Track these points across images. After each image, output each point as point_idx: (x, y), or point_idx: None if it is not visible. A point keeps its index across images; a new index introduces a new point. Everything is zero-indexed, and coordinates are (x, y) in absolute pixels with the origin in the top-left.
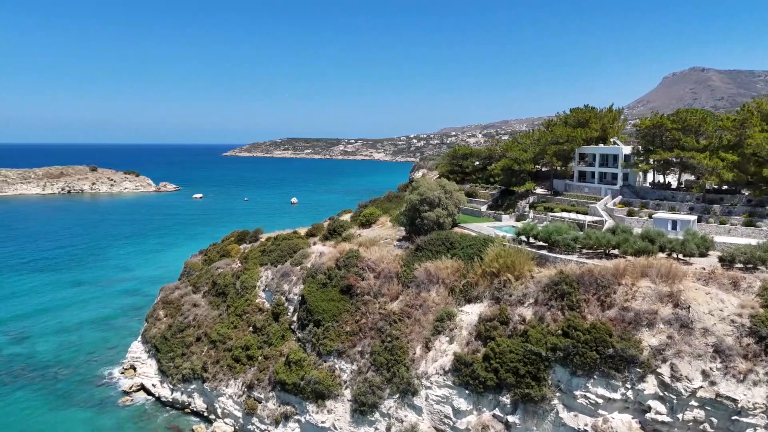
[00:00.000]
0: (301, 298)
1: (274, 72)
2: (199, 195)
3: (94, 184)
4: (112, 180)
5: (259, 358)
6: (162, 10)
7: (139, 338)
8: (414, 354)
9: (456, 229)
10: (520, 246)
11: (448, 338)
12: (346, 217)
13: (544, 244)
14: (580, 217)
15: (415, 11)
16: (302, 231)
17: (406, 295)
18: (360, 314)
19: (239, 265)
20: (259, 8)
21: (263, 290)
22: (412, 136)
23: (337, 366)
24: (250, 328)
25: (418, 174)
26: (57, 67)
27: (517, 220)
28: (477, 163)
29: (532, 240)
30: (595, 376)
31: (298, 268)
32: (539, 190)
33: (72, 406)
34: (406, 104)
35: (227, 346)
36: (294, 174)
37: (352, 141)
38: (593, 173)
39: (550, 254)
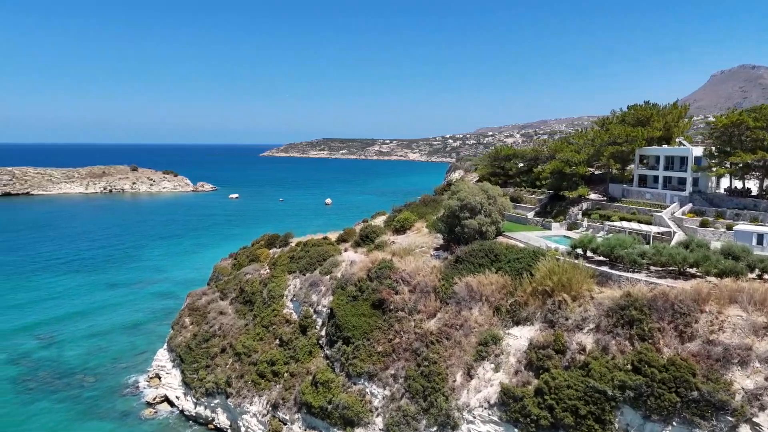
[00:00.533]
0: (330, 311)
1: (311, 73)
2: (235, 195)
3: (134, 183)
4: (151, 180)
5: (285, 374)
6: (199, 9)
7: (165, 346)
8: (454, 381)
9: (500, 239)
10: (576, 261)
11: (493, 365)
12: (380, 220)
13: (604, 259)
14: (644, 227)
15: (449, 10)
16: (333, 236)
17: (445, 312)
18: (393, 332)
19: (268, 271)
20: (300, 9)
21: (291, 300)
22: (447, 136)
23: (367, 390)
24: (277, 341)
25: (455, 175)
26: (66, 66)
27: (569, 228)
28: (521, 165)
29: (589, 254)
30: (674, 423)
31: (328, 277)
32: (593, 196)
33: (94, 418)
34: (441, 104)
35: (252, 360)
36: (329, 174)
37: (387, 141)
38: (656, 177)
39: (613, 271)
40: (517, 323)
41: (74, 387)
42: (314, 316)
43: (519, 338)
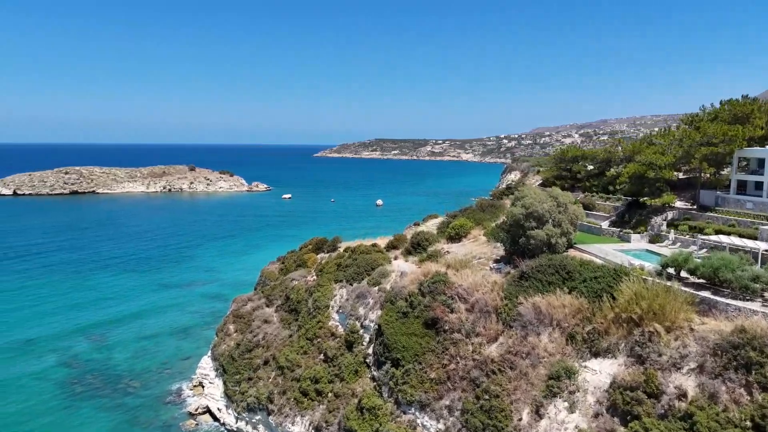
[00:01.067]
0: (378, 327)
1: (364, 74)
2: (288, 195)
3: (192, 183)
4: (208, 179)
5: (329, 394)
6: (257, 9)
7: (209, 353)
8: (519, 420)
9: (571, 252)
10: (668, 283)
11: (567, 404)
12: (432, 223)
13: (703, 282)
14: (748, 243)
15: (501, 9)
16: (383, 242)
17: (509, 337)
18: (448, 357)
19: (314, 277)
20: (346, 9)
21: (337, 312)
22: (502, 136)
23: (418, 421)
24: (321, 356)
25: (510, 176)
26: (114, 64)
27: (651, 241)
28: (590, 167)
29: (684, 274)
30: None
31: (376, 289)
32: (678, 204)
33: (135, 427)
34: (496, 103)
35: (295, 375)
36: (380, 175)
37: (440, 141)
38: (759, 183)
39: (717, 298)
40: (595, 355)
41: (119, 392)
42: (361, 332)
43: (598, 373)
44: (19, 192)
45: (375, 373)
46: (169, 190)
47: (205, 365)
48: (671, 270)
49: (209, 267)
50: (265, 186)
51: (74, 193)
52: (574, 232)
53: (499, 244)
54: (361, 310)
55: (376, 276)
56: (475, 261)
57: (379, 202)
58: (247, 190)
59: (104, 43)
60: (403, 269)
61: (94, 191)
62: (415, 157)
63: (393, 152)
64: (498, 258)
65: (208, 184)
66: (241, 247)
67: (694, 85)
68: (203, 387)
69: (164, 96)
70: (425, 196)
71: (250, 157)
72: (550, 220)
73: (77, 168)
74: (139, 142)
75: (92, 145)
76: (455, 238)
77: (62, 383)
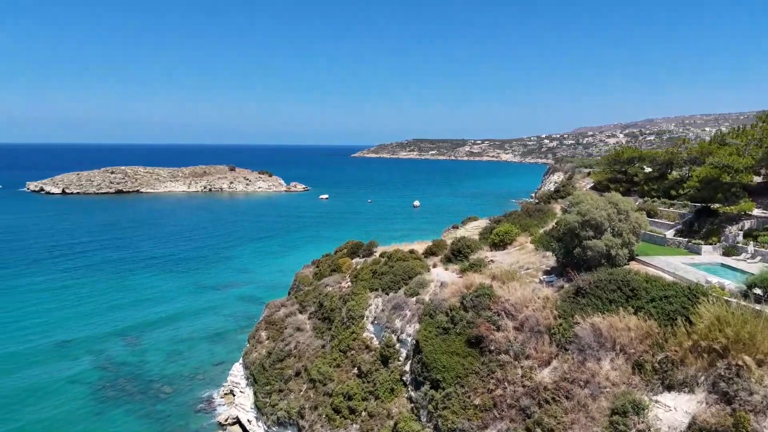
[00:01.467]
0: (416, 343)
1: (401, 73)
2: (325, 196)
3: (231, 183)
4: (247, 179)
5: (363, 413)
6: (294, 9)
7: (241, 360)
8: None
9: (633, 265)
10: (758, 306)
11: None
12: (472, 226)
13: None
14: None
15: (544, 8)
16: (420, 247)
17: (564, 361)
18: (494, 381)
19: (349, 284)
20: (385, 9)
21: (372, 323)
22: (543, 136)
23: None
24: (355, 370)
25: (553, 177)
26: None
27: (726, 254)
28: (648, 170)
29: None
30: None
31: (414, 300)
32: (756, 212)
33: None
34: (536, 103)
35: (327, 390)
36: (418, 175)
37: (479, 141)
38: None
39: None
40: (669, 388)
41: (150, 398)
42: (397, 346)
43: (673, 410)
44: (67, 191)
45: (412, 394)
46: (210, 189)
47: (237, 373)
48: (759, 291)
49: (245, 268)
50: (303, 186)
51: (119, 192)
52: (637, 243)
53: (548, 254)
54: (398, 323)
55: (413, 286)
56: (522, 272)
57: (417, 203)
58: (286, 191)
59: (159, 45)
60: (443, 279)
61: (138, 190)
62: (453, 158)
63: (431, 152)
64: (548, 269)
65: (247, 184)
66: (278, 247)
67: (747, 83)
68: (234, 396)
69: (204, 97)
70: (464, 198)
71: (288, 158)
72: (609, 229)
73: (122, 168)
74: (181, 143)
75: (136, 146)
76: (499, 245)
77: (95, 387)
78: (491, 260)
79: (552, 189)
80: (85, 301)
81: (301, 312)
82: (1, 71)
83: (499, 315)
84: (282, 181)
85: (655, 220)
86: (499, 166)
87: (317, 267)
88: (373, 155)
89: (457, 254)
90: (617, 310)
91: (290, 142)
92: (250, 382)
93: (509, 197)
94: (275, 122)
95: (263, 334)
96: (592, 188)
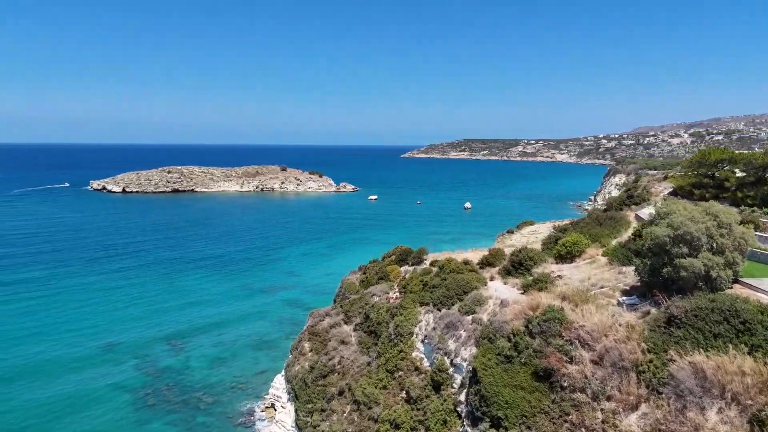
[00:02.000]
0: (473, 371)
1: (454, 73)
2: (374, 197)
3: (282, 183)
4: (298, 180)
5: None
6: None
7: (283, 372)
8: None
9: (738, 290)
10: None
11: None
12: (528, 231)
13: None
14: None
15: (603, 6)
16: (475, 255)
17: (656, 407)
18: (569, 425)
19: (397, 295)
20: (436, 8)
21: (422, 341)
22: (600, 136)
23: None
24: (403, 394)
25: (614, 179)
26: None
27: None
28: (741, 174)
29: None
30: None
31: (469, 318)
32: None
33: None
34: (593, 101)
35: (373, 414)
36: (468, 176)
37: (532, 141)
38: None
39: None
40: None
41: (191, 408)
42: (451, 371)
43: None
44: (127, 189)
45: (468, 430)
46: (261, 189)
47: (278, 385)
48: None
49: (293, 270)
50: (352, 187)
51: (175, 191)
52: (742, 263)
53: (625, 269)
54: (451, 344)
55: (469, 302)
56: (595, 290)
57: (468, 205)
58: (335, 191)
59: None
60: (503, 296)
61: (192, 189)
62: (505, 158)
63: (482, 153)
64: (627, 288)
65: (298, 184)
66: (325, 249)
67: None
68: (275, 410)
69: (251, 98)
70: (517, 200)
71: (338, 158)
72: (708, 246)
73: (179, 167)
74: (236, 143)
75: (191, 146)
76: (566, 257)
77: (137, 394)
78: (558, 275)
79: (618, 193)
80: (135, 303)
81: (346, 322)
82: (16, 72)
83: (572, 344)
84: (332, 182)
85: (759, 234)
86: (553, 167)
87: (364, 274)
88: (423, 155)
89: (518, 266)
90: (725, 347)
91: (341, 142)
92: (292, 397)
93: (566, 200)
94: (326, 123)
95: (306, 345)
96: (672, 194)
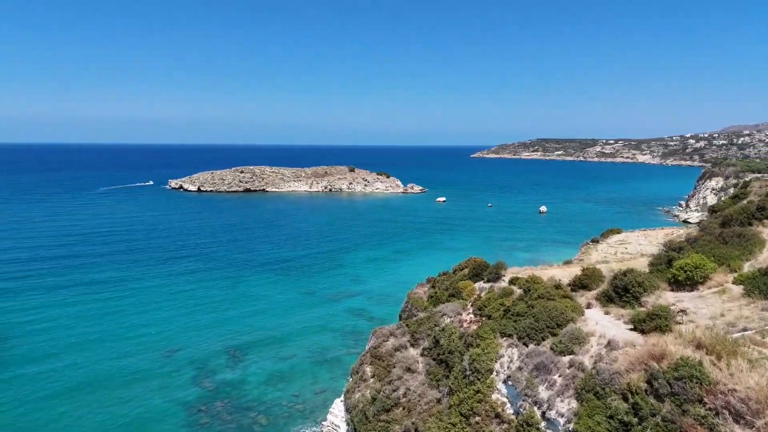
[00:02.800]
0: None
1: (524, 71)
2: (443, 198)
3: (350, 183)
4: (366, 180)
5: None
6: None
7: (342, 397)
8: None
9: None
10: None
11: None
12: (615, 241)
13: None
14: None
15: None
16: (561, 272)
17: None
18: None
19: (471, 317)
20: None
21: (504, 382)
22: (687, 135)
23: None
24: None
25: (711, 183)
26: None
27: None
28: None
29: None
30: None
31: (566, 360)
32: None
33: None
34: (678, 98)
35: None
36: (542, 177)
37: (611, 141)
38: None
39: None
40: None
41: (244, 430)
42: (542, 425)
43: None
44: (202, 189)
45: None
46: (330, 189)
47: (337, 413)
48: None
49: (357, 275)
50: (420, 188)
51: (247, 190)
52: None
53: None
54: (543, 392)
55: (565, 339)
56: (736, 334)
57: (543, 208)
58: (403, 192)
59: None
60: (609, 333)
61: (264, 189)
62: (581, 158)
63: (556, 153)
64: None
65: (365, 185)
66: (392, 254)
67: None
68: None
69: (321, 99)
70: (597, 204)
71: (405, 158)
72: None
73: (251, 167)
74: (309, 144)
75: (262, 147)
76: (684, 284)
77: (192, 411)
78: (681, 310)
79: (716, 199)
80: (199, 309)
81: (412, 345)
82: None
83: (718, 415)
84: (399, 183)
85: None
86: (635, 169)
87: (433, 287)
88: (494, 156)
89: (623, 293)
90: None
91: (407, 143)
92: (351, 430)
93: (652, 205)
94: (394, 123)
95: (368, 370)
96: None
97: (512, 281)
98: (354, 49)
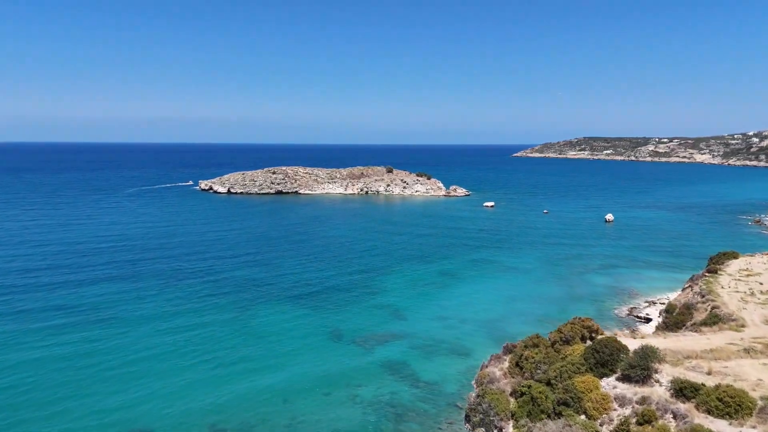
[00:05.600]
0: None
1: (569, 67)
2: (491, 203)
3: (388, 185)
4: (404, 182)
5: None
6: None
7: None
8: None
9: None
10: None
11: None
12: (738, 270)
13: None
14: None
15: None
16: (721, 342)
17: None
18: None
19: None
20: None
21: None
22: (750, 133)
23: None
24: None
25: None
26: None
27: None
28: None
29: None
30: None
31: None
32: None
33: None
34: (737, 92)
35: None
36: (595, 179)
37: (665, 140)
38: None
39: None
40: None
41: None
42: None
43: None
44: (232, 190)
45: None
46: (366, 192)
47: None
48: None
49: (396, 308)
50: (464, 190)
51: (279, 192)
52: None
53: None
54: None
55: None
56: None
57: (609, 217)
58: (445, 195)
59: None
60: None
61: (296, 192)
62: (632, 158)
63: (605, 152)
64: None
65: (404, 187)
66: (436, 275)
67: None
68: None
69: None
70: (669, 212)
71: (443, 158)
72: None
73: (284, 168)
74: (344, 143)
75: (297, 146)
76: None
77: None
78: None
79: None
80: (190, 364)
81: None
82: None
83: None
84: (441, 185)
85: None
86: (695, 170)
87: (517, 365)
88: (537, 155)
89: None
90: None
91: (444, 141)
92: None
93: (735, 213)
94: (432, 122)
95: None
96: None
97: (681, 390)
98: (388, 48)
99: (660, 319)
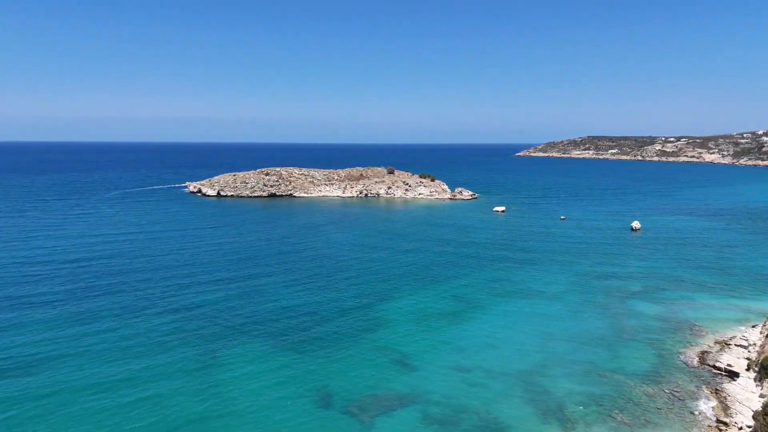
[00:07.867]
0: None
1: (571, 64)
2: (501, 208)
3: (389, 188)
4: (407, 184)
5: None
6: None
7: None
8: None
9: None
10: None
11: None
12: None
13: None
14: None
15: None
16: None
17: None
18: None
19: None
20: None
21: None
22: (760, 132)
23: None
24: None
25: None
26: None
27: None
28: None
29: None
30: None
31: None
32: None
33: None
34: (744, 89)
35: None
36: (607, 180)
37: (672, 139)
38: None
39: None
40: None
41: None
42: None
43: None
44: (222, 193)
45: None
46: (366, 195)
47: None
48: None
49: (400, 352)
50: (470, 193)
51: (272, 195)
52: None
53: None
54: None
55: None
56: None
57: (636, 224)
58: (450, 198)
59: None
60: None
61: (291, 194)
62: (639, 158)
63: (610, 151)
64: None
65: (406, 190)
66: (450, 301)
67: None
68: None
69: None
70: (701, 218)
71: (445, 158)
72: None
73: (277, 169)
74: (342, 143)
75: (294, 146)
76: None
77: None
78: None
79: None
80: None
81: None
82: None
83: None
84: (446, 187)
85: None
86: (708, 170)
87: None
88: (541, 154)
89: None
90: None
91: (444, 141)
92: None
93: (760, 217)
94: (428, 120)
95: None
96: None
97: None
98: (388, 44)
99: (752, 375)
